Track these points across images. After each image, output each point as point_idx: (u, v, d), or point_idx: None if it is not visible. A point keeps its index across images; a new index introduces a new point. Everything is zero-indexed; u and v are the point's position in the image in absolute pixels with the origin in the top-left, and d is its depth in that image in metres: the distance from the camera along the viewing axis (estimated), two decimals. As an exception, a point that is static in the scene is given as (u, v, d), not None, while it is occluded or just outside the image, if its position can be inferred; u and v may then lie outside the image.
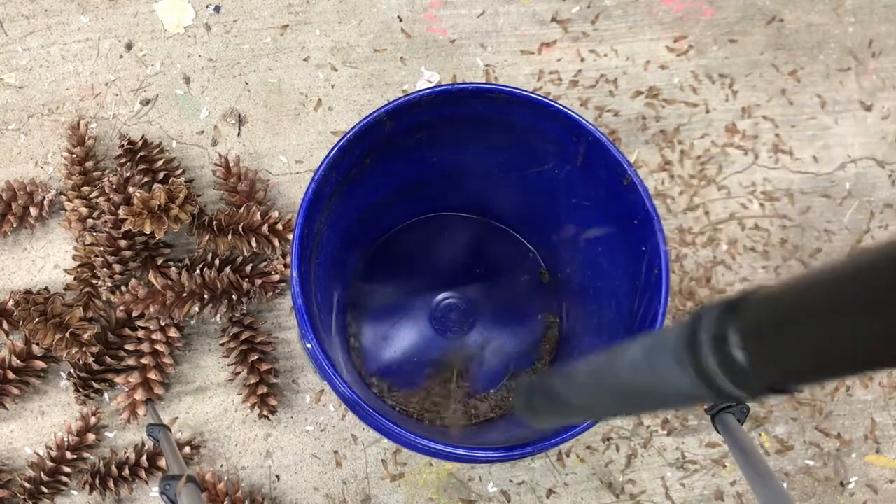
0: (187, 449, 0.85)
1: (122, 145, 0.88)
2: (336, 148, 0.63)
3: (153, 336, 0.85)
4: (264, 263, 0.90)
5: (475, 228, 0.90)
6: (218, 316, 0.85)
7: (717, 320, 0.30)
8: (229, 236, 0.86)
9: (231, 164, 0.91)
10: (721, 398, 0.31)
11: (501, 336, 0.86)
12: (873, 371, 0.26)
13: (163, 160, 0.89)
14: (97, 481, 0.82)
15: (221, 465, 0.87)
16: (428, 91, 0.64)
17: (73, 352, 0.81)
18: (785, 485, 0.90)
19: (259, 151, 0.95)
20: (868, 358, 0.25)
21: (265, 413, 0.85)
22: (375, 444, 0.89)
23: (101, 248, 0.84)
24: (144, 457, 0.83)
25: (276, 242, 0.88)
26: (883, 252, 0.24)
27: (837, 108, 1.01)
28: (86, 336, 0.81)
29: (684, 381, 0.31)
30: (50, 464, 0.82)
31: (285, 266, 0.89)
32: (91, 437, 0.84)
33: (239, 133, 0.95)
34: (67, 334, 0.80)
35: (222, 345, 0.88)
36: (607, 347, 0.39)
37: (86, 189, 0.88)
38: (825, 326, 0.26)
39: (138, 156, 0.88)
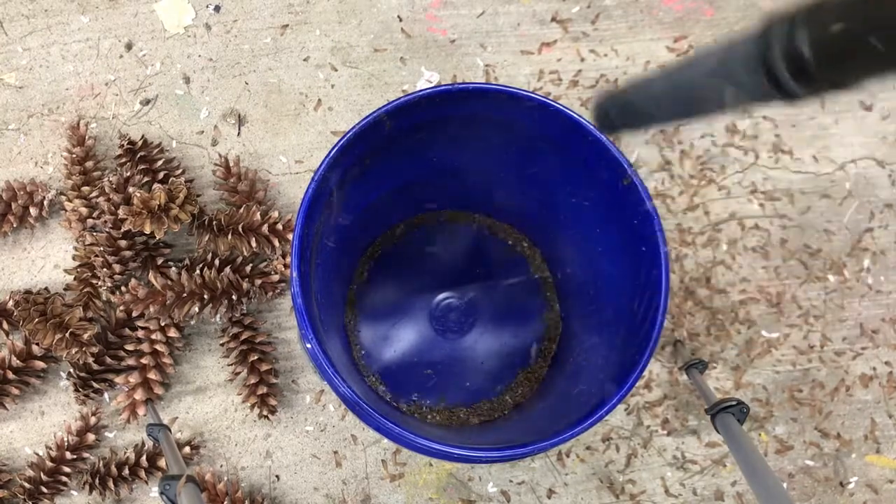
0: (187, 449, 0.85)
1: (122, 145, 0.88)
2: (336, 148, 0.63)
3: (153, 336, 0.85)
4: (264, 263, 0.90)
5: (475, 228, 0.90)
6: (218, 316, 0.85)
7: (788, 27, 0.32)
8: (229, 236, 0.86)
9: (231, 164, 0.91)
10: (785, 96, 0.34)
11: (501, 336, 0.86)
12: None
13: (163, 160, 0.89)
14: (97, 481, 0.82)
15: (221, 465, 0.87)
16: (428, 91, 0.64)
17: (73, 352, 0.81)
18: (785, 485, 0.90)
19: (259, 151, 0.95)
20: None
21: (265, 413, 0.85)
22: (375, 444, 0.89)
23: (101, 248, 0.85)
24: (144, 457, 0.84)
25: (276, 242, 0.88)
26: None
27: (837, 108, 1.01)
28: (86, 336, 0.81)
29: (757, 85, 0.34)
30: (50, 464, 0.82)
31: (285, 266, 0.89)
32: (91, 437, 0.84)
33: (239, 133, 0.95)
34: (67, 334, 0.80)
35: (222, 345, 0.88)
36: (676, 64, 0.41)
37: (86, 189, 0.88)
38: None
39: (138, 156, 0.88)
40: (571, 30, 1.00)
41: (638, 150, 0.97)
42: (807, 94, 0.33)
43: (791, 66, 0.32)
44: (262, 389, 0.85)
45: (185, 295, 0.82)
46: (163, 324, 0.85)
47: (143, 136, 0.91)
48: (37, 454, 0.85)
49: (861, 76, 0.31)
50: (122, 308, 0.83)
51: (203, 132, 0.95)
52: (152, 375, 0.84)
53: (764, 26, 0.34)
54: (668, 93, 0.43)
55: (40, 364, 0.84)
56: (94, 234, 0.87)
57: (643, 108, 0.45)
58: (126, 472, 0.83)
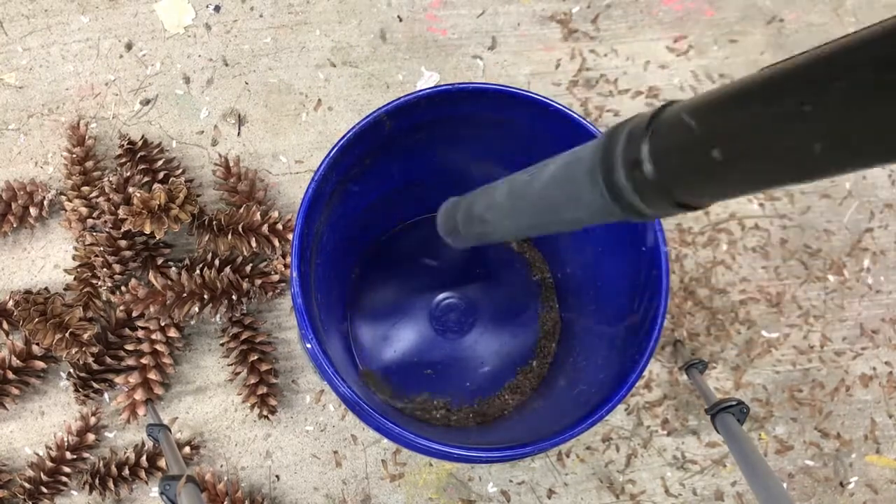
0: (187, 449, 0.85)
1: (122, 145, 0.88)
2: (336, 148, 0.63)
3: (153, 336, 0.85)
4: (264, 263, 0.90)
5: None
6: (218, 316, 0.85)
7: (629, 137, 0.30)
8: (229, 236, 0.86)
9: (231, 164, 0.91)
10: (629, 214, 0.31)
11: (501, 336, 0.86)
12: (776, 186, 0.27)
13: (163, 160, 0.89)
14: (97, 481, 0.82)
15: (221, 465, 0.87)
16: (428, 91, 0.64)
17: (73, 352, 0.81)
18: (785, 485, 0.90)
19: (259, 151, 0.95)
20: (774, 170, 0.25)
21: (265, 413, 0.85)
22: (375, 444, 0.89)
23: (101, 248, 0.84)
24: (144, 457, 0.83)
25: (276, 242, 0.88)
26: (791, 64, 0.24)
27: (837, 108, 1.01)
28: (86, 336, 0.81)
29: (597, 197, 0.32)
30: (50, 464, 0.82)
31: (285, 266, 0.89)
32: (91, 437, 0.84)
33: (239, 133, 0.95)
34: (67, 334, 0.80)
35: (222, 345, 0.88)
36: (524, 169, 0.38)
37: (86, 189, 0.88)
38: (734, 138, 0.26)
39: (138, 156, 0.88)
40: (571, 30, 1.00)
41: (638, 150, 0.97)
42: (653, 212, 0.31)
43: (632, 179, 0.30)
44: (262, 389, 0.85)
45: (185, 295, 0.82)
46: (163, 324, 0.85)
47: (143, 136, 0.91)
48: (37, 454, 0.85)
49: (709, 194, 0.28)
50: (122, 308, 0.83)
51: (203, 132, 0.95)
52: (152, 375, 0.84)
53: (607, 134, 0.32)
54: (509, 201, 0.39)
55: (40, 364, 0.84)
56: (94, 234, 0.87)
57: (485, 216, 0.42)
58: (126, 472, 0.83)
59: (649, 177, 0.29)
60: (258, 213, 0.87)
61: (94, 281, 0.85)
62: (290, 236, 0.89)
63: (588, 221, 0.34)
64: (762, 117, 0.24)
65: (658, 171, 0.29)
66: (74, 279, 0.87)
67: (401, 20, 0.99)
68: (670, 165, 0.29)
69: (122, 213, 0.82)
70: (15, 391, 0.84)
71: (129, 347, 0.86)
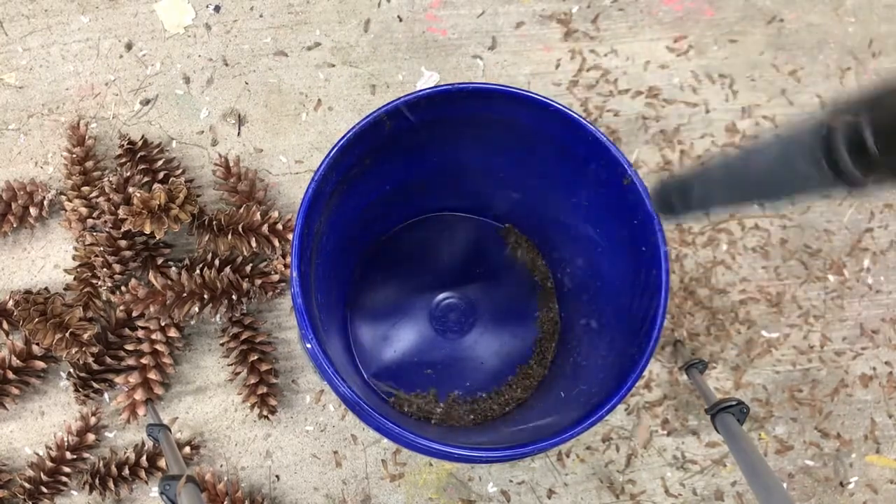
0: (187, 449, 0.85)
1: (122, 145, 0.88)
2: (336, 148, 0.63)
3: (153, 336, 0.85)
4: (264, 263, 0.90)
5: (475, 228, 0.90)
6: (218, 316, 0.85)
7: (851, 117, 0.32)
8: (229, 236, 0.86)
9: (231, 164, 0.91)
10: (849, 186, 0.33)
11: (501, 336, 0.86)
12: None
13: (163, 160, 0.89)
14: (97, 481, 0.82)
15: (221, 465, 0.87)
16: (428, 91, 0.64)
17: (73, 352, 0.81)
18: (785, 485, 0.90)
19: (259, 151, 0.95)
20: None
21: (265, 413, 0.85)
22: (375, 444, 0.89)
23: (101, 248, 0.85)
24: (144, 457, 0.84)
25: (276, 242, 0.88)
26: None
27: (837, 108, 1.01)
28: (86, 336, 0.81)
29: (816, 170, 0.34)
30: (50, 464, 0.82)
31: (285, 266, 0.89)
32: (91, 437, 0.84)
33: (239, 133, 0.95)
34: (67, 334, 0.81)
35: (222, 345, 0.88)
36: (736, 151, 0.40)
37: (86, 189, 0.88)
38: None
39: (138, 156, 0.88)
40: (571, 30, 1.00)
41: (638, 150, 0.98)
42: (871, 182, 0.33)
43: (854, 156, 0.32)
44: (262, 389, 0.85)
45: (185, 295, 0.82)
46: (163, 324, 0.85)
47: (143, 136, 0.91)
48: (37, 454, 0.85)
49: None
50: (122, 308, 0.83)
51: (203, 132, 0.95)
52: (152, 375, 0.84)
53: (826, 115, 0.34)
54: (729, 181, 0.42)
55: (40, 364, 0.84)
56: (94, 234, 0.87)
57: (704, 195, 0.45)
58: (126, 472, 0.83)
59: (873, 151, 0.31)
60: (258, 213, 0.87)
61: (94, 281, 0.85)
62: (290, 236, 0.89)
63: (810, 194, 0.37)
64: None
65: (883, 144, 0.31)
66: (74, 279, 0.87)
67: (401, 20, 0.99)
68: (891, 143, 0.31)
69: (122, 213, 0.82)
70: (15, 391, 0.84)
71: (129, 347, 0.86)
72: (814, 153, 0.34)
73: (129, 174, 0.87)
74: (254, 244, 0.87)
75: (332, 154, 0.63)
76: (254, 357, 0.86)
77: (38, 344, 0.81)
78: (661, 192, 0.48)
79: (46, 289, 0.88)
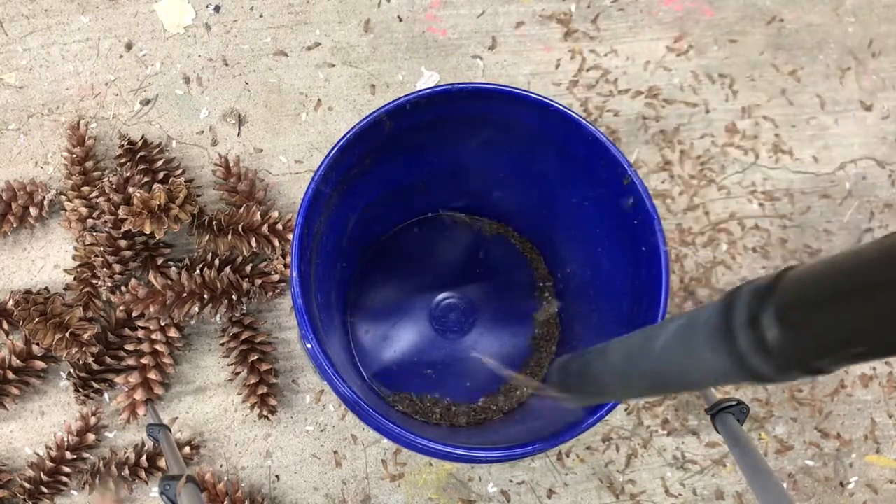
0: (187, 449, 0.85)
1: (122, 145, 0.88)
2: (336, 148, 0.63)
3: (153, 336, 0.85)
4: (264, 263, 0.90)
5: (474, 229, 0.90)
6: (218, 316, 0.85)
7: (750, 301, 0.30)
8: (229, 236, 0.86)
9: (231, 164, 0.91)
10: (753, 379, 0.31)
11: (501, 336, 0.86)
12: None
13: (163, 160, 0.89)
14: (97, 481, 0.82)
15: (221, 465, 0.87)
16: (428, 91, 0.64)
17: (73, 352, 0.81)
18: (785, 485, 0.90)
19: (259, 151, 0.95)
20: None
21: (265, 413, 0.85)
22: (375, 444, 0.89)
23: (101, 248, 0.85)
24: (144, 457, 0.84)
25: (276, 242, 0.88)
26: None
27: (837, 108, 1.01)
28: (86, 336, 0.81)
29: (718, 362, 0.32)
30: (50, 464, 0.82)
31: (285, 266, 0.89)
32: (91, 437, 0.84)
33: (239, 133, 0.95)
34: (67, 334, 0.80)
35: (222, 345, 0.88)
36: (638, 330, 0.38)
37: (86, 189, 0.88)
38: (860, 304, 0.26)
39: (138, 156, 0.88)
40: (571, 30, 1.00)
41: (638, 150, 0.98)
42: (777, 377, 0.31)
43: (755, 341, 0.30)
44: (262, 389, 0.85)
45: (185, 295, 0.82)
46: (163, 324, 0.85)
47: (143, 136, 0.91)
48: (37, 454, 0.85)
49: (835, 356, 0.28)
50: (122, 308, 0.83)
51: (203, 132, 0.95)
52: (152, 375, 0.84)
53: (726, 296, 0.32)
54: (625, 365, 0.40)
55: (40, 364, 0.84)
56: (94, 234, 0.87)
57: (603, 380, 0.42)
58: (126, 472, 0.83)
59: (774, 344, 0.29)
60: (258, 213, 0.87)
61: (94, 281, 0.85)
62: (290, 236, 0.89)
63: (710, 385, 0.34)
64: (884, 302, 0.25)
65: (783, 338, 0.29)
66: (74, 279, 0.87)
67: (401, 20, 0.99)
68: (794, 332, 0.29)
69: (122, 213, 0.82)
70: (15, 391, 0.84)
71: (129, 347, 0.86)
72: (715, 342, 0.32)
73: (129, 174, 0.87)
74: (254, 244, 0.87)
75: (332, 154, 0.63)
76: (254, 357, 0.86)
77: (38, 344, 0.81)
78: (562, 368, 0.46)
79: (46, 289, 0.88)
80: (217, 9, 0.98)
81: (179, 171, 0.90)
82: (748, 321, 0.30)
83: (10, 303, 0.86)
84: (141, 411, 0.85)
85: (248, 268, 0.88)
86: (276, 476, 0.88)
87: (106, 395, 0.88)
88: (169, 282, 0.83)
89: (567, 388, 0.45)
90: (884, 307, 0.25)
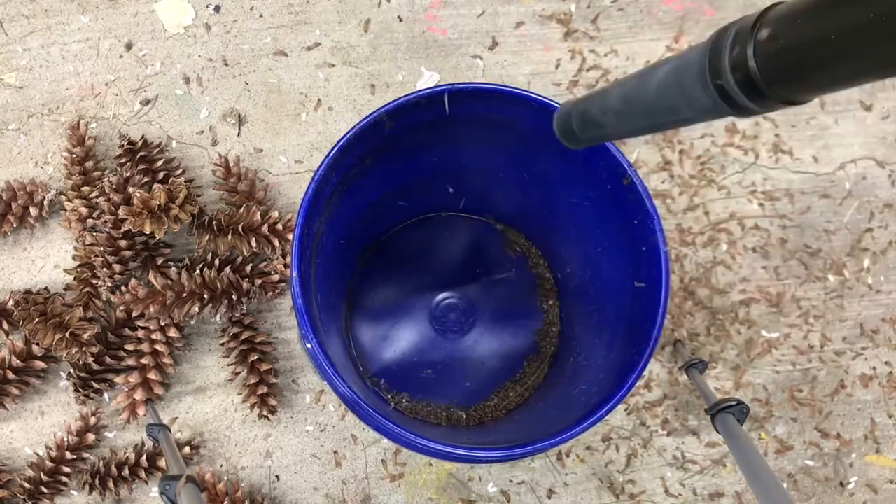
0: (187, 449, 0.85)
1: (122, 145, 0.88)
2: (336, 148, 0.63)
3: (153, 336, 0.85)
4: (264, 263, 0.90)
5: (475, 228, 0.90)
6: (218, 316, 0.85)
7: (735, 39, 0.32)
8: (229, 236, 0.86)
9: (231, 164, 0.91)
10: (738, 112, 0.33)
11: (501, 336, 0.86)
12: (877, 77, 0.28)
13: (163, 160, 0.89)
14: (97, 481, 0.82)
15: (221, 465, 0.87)
16: (428, 91, 0.64)
17: (73, 352, 0.81)
18: (785, 485, 0.90)
19: (259, 151, 0.95)
20: (874, 61, 0.27)
21: (265, 413, 0.85)
22: (375, 444, 0.89)
23: (101, 248, 0.85)
24: (144, 457, 0.84)
25: (276, 242, 0.88)
26: None
27: (837, 108, 1.01)
28: (86, 336, 0.81)
29: (707, 99, 0.34)
30: (49, 464, 0.82)
31: (285, 266, 0.89)
32: (91, 437, 0.84)
33: (239, 133, 0.95)
34: (67, 334, 0.80)
35: (222, 345, 0.88)
36: (633, 73, 0.40)
37: (86, 189, 0.88)
38: (837, 39, 0.27)
39: (138, 156, 0.88)
40: (571, 30, 1.00)
41: (638, 149, 0.98)
42: (759, 108, 0.33)
43: (740, 80, 0.32)
44: (262, 389, 0.85)
45: (185, 295, 0.82)
46: (163, 324, 0.85)
47: (143, 136, 0.91)
48: (37, 454, 0.85)
49: (814, 89, 0.30)
50: (122, 308, 0.83)
51: (203, 132, 0.95)
52: (152, 375, 0.84)
53: (713, 38, 0.34)
54: (624, 105, 0.42)
55: (40, 364, 0.84)
56: (94, 234, 0.87)
57: (601, 120, 0.44)
58: (126, 472, 0.83)
59: (756, 77, 0.31)
60: (258, 213, 0.87)
61: (94, 281, 0.85)
62: (290, 236, 0.89)
63: (699, 120, 0.37)
64: (859, 18, 0.26)
65: (765, 70, 0.31)
66: (74, 279, 0.87)
67: (401, 20, 0.99)
68: (776, 65, 0.31)
69: (122, 213, 0.82)
70: (15, 391, 0.84)
71: (129, 347, 0.86)
72: (703, 78, 0.34)
73: (129, 174, 0.87)
74: (254, 244, 0.87)
75: (332, 154, 0.63)
76: (254, 357, 0.86)
77: (38, 344, 0.81)
78: (562, 118, 0.47)
79: (46, 289, 0.88)
80: (217, 9, 0.98)
81: (179, 171, 0.90)
82: (733, 61, 0.32)
83: (10, 303, 0.86)
84: (141, 411, 0.85)
85: (248, 268, 0.88)
86: (276, 476, 0.88)
87: (106, 395, 0.88)
88: (169, 282, 0.83)
89: (570, 133, 0.47)
90: (853, 28, 0.27)
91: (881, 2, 0.26)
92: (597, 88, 0.44)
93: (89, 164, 0.89)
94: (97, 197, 0.87)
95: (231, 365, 0.87)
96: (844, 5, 0.27)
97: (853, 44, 0.27)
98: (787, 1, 0.31)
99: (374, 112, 0.63)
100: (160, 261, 0.87)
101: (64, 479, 0.83)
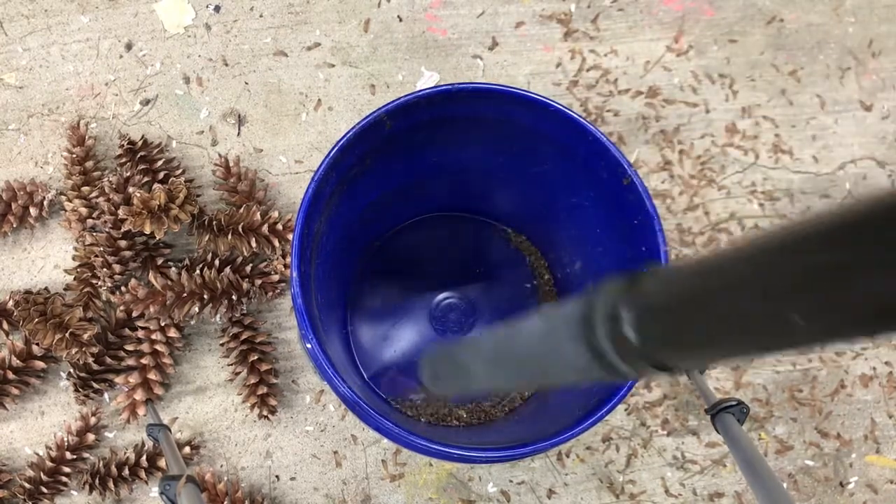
0: (187, 449, 0.85)
1: (122, 145, 0.88)
2: (336, 148, 0.63)
3: (153, 336, 0.85)
4: (264, 263, 0.90)
5: (475, 228, 0.90)
6: (218, 316, 0.85)
7: (610, 299, 0.31)
8: (229, 236, 0.86)
9: (231, 164, 0.91)
10: (611, 374, 0.32)
11: (501, 336, 0.86)
12: (754, 355, 0.27)
13: (163, 160, 0.89)
14: (97, 481, 0.82)
15: (221, 465, 0.87)
16: (428, 91, 0.64)
17: (73, 352, 0.81)
18: (785, 485, 0.90)
19: (259, 151, 0.95)
20: (753, 342, 0.26)
21: (265, 413, 0.85)
22: (375, 444, 0.89)
23: (101, 248, 0.84)
24: (144, 457, 0.83)
25: (276, 242, 0.88)
26: (775, 238, 0.24)
27: (837, 108, 1.01)
28: (86, 336, 0.81)
29: (579, 356, 0.32)
30: (50, 464, 0.82)
31: (285, 266, 0.89)
32: (91, 437, 0.84)
33: (239, 133, 0.95)
34: (67, 334, 0.80)
35: (222, 345, 0.88)
36: (511, 320, 0.38)
37: (86, 189, 0.88)
38: (714, 309, 0.26)
39: (138, 156, 0.88)
40: (571, 30, 1.00)
41: (638, 149, 0.98)
42: (630, 371, 0.31)
43: (612, 337, 0.30)
44: (262, 389, 0.85)
45: (185, 295, 0.82)
46: (163, 324, 0.85)
47: (143, 136, 0.91)
48: (37, 454, 0.85)
49: (690, 358, 0.29)
50: (122, 308, 0.83)
51: (203, 132, 0.95)
52: (152, 375, 0.84)
53: (591, 290, 0.32)
54: (497, 358, 0.40)
55: (40, 364, 0.84)
56: (94, 234, 0.87)
57: (471, 369, 0.42)
58: (126, 472, 0.83)
59: (632, 341, 0.29)
60: (258, 213, 0.87)
61: (94, 281, 0.85)
62: (290, 236, 0.89)
63: (570, 381, 0.34)
64: (732, 296, 0.25)
65: (640, 335, 0.29)
66: (74, 279, 0.87)
67: (401, 20, 0.99)
68: (652, 331, 0.29)
69: (122, 213, 0.82)
70: (15, 391, 0.84)
71: (129, 347, 0.86)
72: (577, 337, 0.32)
73: (129, 174, 0.87)
74: (254, 244, 0.87)
75: (332, 154, 0.63)
76: (254, 357, 0.86)
77: (38, 344, 0.81)
78: (430, 359, 0.45)
79: (46, 289, 0.88)
80: (217, 9, 0.98)
81: (179, 171, 0.90)
82: (606, 319, 0.30)
83: (10, 303, 0.86)
84: (141, 411, 0.85)
85: (248, 268, 0.88)
86: (276, 476, 0.88)
87: (106, 395, 0.88)
88: (169, 282, 0.83)
89: (436, 376, 0.45)
90: (727, 309, 0.26)
91: (725, 305, 0.25)
92: (469, 337, 0.42)
93: (89, 164, 0.89)
94: (97, 197, 0.87)
95: (231, 365, 0.87)
96: (717, 283, 0.26)
97: (729, 318, 0.26)
98: (660, 268, 0.29)
99: (374, 112, 0.63)
100: (160, 261, 0.87)
101: (64, 479, 0.83)
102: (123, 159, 0.88)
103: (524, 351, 0.36)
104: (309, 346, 0.60)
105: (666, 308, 0.28)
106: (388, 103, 0.63)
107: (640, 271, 0.30)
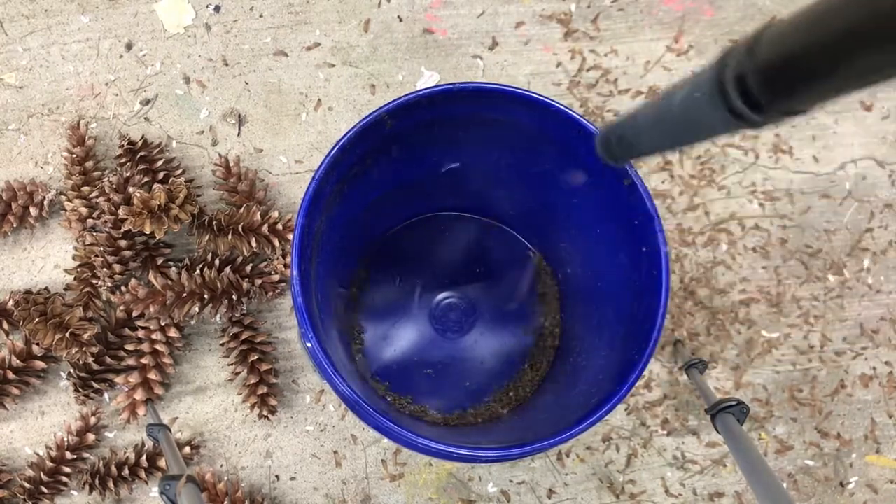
0: (187, 449, 0.85)
1: (122, 145, 0.88)
2: (336, 147, 0.63)
3: (153, 336, 0.85)
4: (264, 263, 0.90)
5: (475, 228, 0.90)
6: (218, 316, 0.85)
7: (737, 63, 0.34)
8: (229, 236, 0.86)
9: (231, 163, 0.91)
10: (752, 126, 0.36)
11: (501, 336, 0.86)
12: (872, 84, 0.30)
13: (163, 160, 0.89)
14: (97, 481, 0.82)
15: (221, 465, 0.87)
16: (428, 91, 0.64)
17: (73, 352, 0.81)
18: (785, 485, 0.90)
19: (259, 151, 0.95)
20: (869, 70, 0.29)
21: (265, 413, 0.85)
22: (375, 444, 0.89)
23: (101, 248, 0.84)
24: (144, 457, 0.83)
25: (276, 242, 0.88)
26: None
27: (837, 108, 1.01)
28: (86, 336, 0.81)
29: (720, 116, 0.36)
30: (50, 464, 0.82)
31: (285, 266, 0.89)
32: (91, 437, 0.84)
33: (239, 133, 0.95)
34: (67, 334, 0.80)
35: (222, 345, 0.88)
36: (661, 94, 0.44)
37: (86, 189, 0.88)
38: (833, 51, 0.29)
39: (138, 156, 0.88)
40: (571, 30, 1.00)
41: (638, 150, 0.97)
42: (765, 121, 0.35)
43: (743, 96, 0.34)
44: (262, 389, 0.85)
45: (185, 295, 0.82)
46: (163, 324, 0.85)
47: (143, 136, 0.91)
48: (37, 454, 0.85)
49: (807, 102, 0.32)
50: (122, 308, 0.83)
51: (203, 132, 0.95)
52: (152, 375, 0.84)
53: (720, 56, 0.36)
54: (651, 125, 0.46)
55: (40, 364, 0.84)
56: (94, 234, 0.87)
57: (634, 139, 0.48)
58: (126, 472, 0.83)
59: (755, 92, 0.33)
60: (258, 213, 0.87)
61: (94, 281, 0.85)
62: (290, 236, 0.89)
63: (717, 135, 0.40)
64: (846, 33, 0.28)
65: (761, 85, 0.33)
66: (74, 279, 0.87)
67: (401, 20, 0.99)
68: (770, 79, 0.33)
69: (122, 213, 0.82)
70: (15, 391, 0.84)
71: (129, 347, 0.86)
72: (713, 96, 0.36)
73: (129, 174, 0.87)
74: (254, 244, 0.87)
75: (332, 154, 0.63)
76: (254, 357, 0.86)
77: (38, 344, 0.81)
78: (603, 137, 0.52)
79: (46, 289, 0.88)
80: (217, 9, 0.98)
81: (179, 171, 0.90)
82: (736, 82, 0.34)
83: (10, 303, 0.86)
84: (141, 411, 0.85)
85: (248, 268, 0.88)
86: (276, 476, 0.88)
87: (106, 395, 0.88)
88: (169, 282, 0.83)
89: (610, 152, 0.52)
90: (846, 48, 0.29)
91: (849, 17, 0.28)
92: (628, 111, 0.47)
93: (89, 164, 0.89)
94: (97, 197, 0.87)
95: (231, 365, 0.87)
96: (820, 24, 0.29)
97: (833, 57, 0.29)
98: (777, 22, 0.33)
99: (374, 111, 0.63)
100: (160, 261, 0.87)
101: (64, 479, 0.83)
102: (123, 159, 0.88)
103: (678, 120, 0.42)
104: (309, 344, 0.60)
105: (783, 61, 0.32)
106: (389, 103, 0.63)
107: (754, 32, 0.34)
